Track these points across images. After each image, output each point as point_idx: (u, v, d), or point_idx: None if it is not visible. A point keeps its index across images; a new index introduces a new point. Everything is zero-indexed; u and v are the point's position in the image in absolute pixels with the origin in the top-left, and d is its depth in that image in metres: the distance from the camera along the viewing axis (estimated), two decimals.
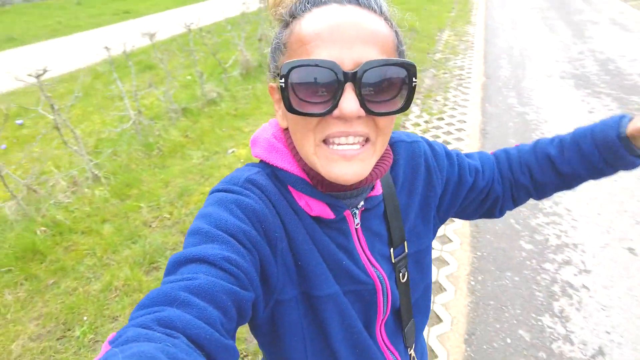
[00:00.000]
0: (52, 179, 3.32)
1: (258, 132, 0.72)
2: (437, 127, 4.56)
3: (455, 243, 2.88)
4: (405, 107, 0.57)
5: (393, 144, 0.77)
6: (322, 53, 0.54)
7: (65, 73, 6.65)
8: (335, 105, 0.54)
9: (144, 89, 4.90)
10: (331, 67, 0.53)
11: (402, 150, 0.77)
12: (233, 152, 3.98)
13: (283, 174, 0.66)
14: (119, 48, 3.95)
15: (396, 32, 0.61)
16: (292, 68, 0.54)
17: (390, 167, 0.73)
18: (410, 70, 0.56)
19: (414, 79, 0.57)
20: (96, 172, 3.42)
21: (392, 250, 0.74)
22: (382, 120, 0.58)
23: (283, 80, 0.55)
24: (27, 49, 8.29)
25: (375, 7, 0.58)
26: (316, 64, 0.53)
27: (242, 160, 3.83)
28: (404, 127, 4.58)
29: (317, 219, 0.67)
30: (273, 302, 0.64)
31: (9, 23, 10.99)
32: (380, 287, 0.72)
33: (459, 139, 4.27)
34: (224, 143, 4.17)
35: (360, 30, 0.54)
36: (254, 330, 0.70)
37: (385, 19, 0.59)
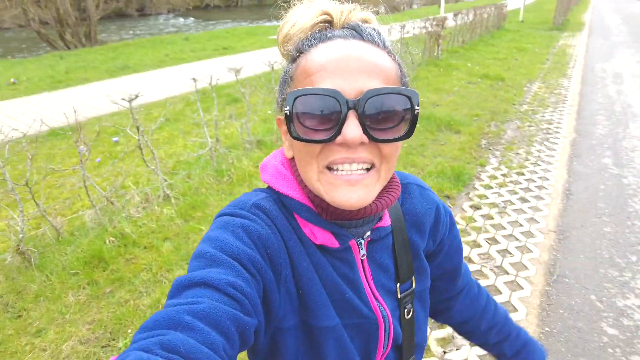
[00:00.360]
0: (129, 194, 3.60)
1: (268, 158, 0.73)
2: (516, 182, 4.23)
3: (520, 313, 2.56)
4: (408, 135, 0.59)
5: (407, 185, 0.79)
6: (325, 83, 0.56)
7: (161, 99, 7.35)
8: (339, 132, 0.55)
9: (225, 119, 5.23)
10: (334, 95, 0.55)
11: (416, 192, 0.79)
12: None
13: (289, 201, 0.66)
14: (209, 80, 4.28)
15: (399, 65, 0.63)
16: (297, 97, 0.56)
17: (401, 203, 0.76)
18: (412, 98, 0.58)
19: (416, 107, 0.58)
20: (168, 192, 3.64)
21: (398, 285, 0.74)
22: (386, 148, 0.59)
23: (288, 108, 0.57)
24: (137, 77, 9.39)
25: (379, 41, 0.61)
26: (319, 93, 0.55)
27: None
28: (478, 177, 4.32)
29: (322, 248, 0.67)
30: (273, 329, 0.64)
31: (128, 54, 12.61)
32: (383, 323, 0.71)
33: (538, 197, 3.90)
34: None
35: (363, 62, 0.57)
36: (253, 355, 0.71)
37: (389, 52, 0.62)
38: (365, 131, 0.56)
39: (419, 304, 0.79)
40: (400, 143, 0.62)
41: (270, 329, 0.63)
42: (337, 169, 0.58)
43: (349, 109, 0.55)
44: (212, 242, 0.58)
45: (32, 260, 2.86)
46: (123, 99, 3.03)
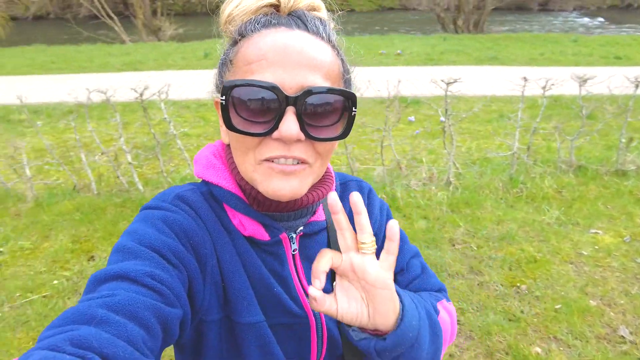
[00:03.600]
0: (419, 167, 3.90)
1: (200, 151, 0.71)
2: None
3: None
4: (344, 135, 0.58)
5: (346, 183, 0.78)
6: (265, 74, 0.54)
7: (479, 95, 7.09)
8: (276, 127, 0.55)
9: (547, 130, 4.62)
10: (273, 89, 0.53)
11: (354, 187, 0.78)
12: None
13: (218, 191, 0.65)
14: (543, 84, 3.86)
15: (342, 60, 0.61)
16: (234, 87, 0.55)
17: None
18: (351, 99, 0.57)
19: (354, 108, 0.57)
20: (452, 179, 3.72)
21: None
22: (321, 146, 0.58)
23: (224, 98, 0.55)
24: (501, 69, 9.38)
25: (324, 34, 0.59)
26: (259, 85, 0.53)
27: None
28: None
29: (251, 241, 0.65)
30: (197, 321, 0.61)
31: (504, 46, 12.61)
32: (315, 323, 0.66)
33: None
34: (589, 225, 3.43)
35: (305, 55, 0.55)
36: (179, 351, 0.68)
37: (333, 46, 0.60)
38: (302, 128, 0.55)
39: None
40: (335, 142, 0.61)
41: (195, 321, 0.60)
42: (272, 161, 0.57)
43: (287, 104, 0.54)
44: (130, 236, 0.56)
45: None
46: (442, 81, 3.23)
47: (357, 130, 5.13)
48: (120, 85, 4.43)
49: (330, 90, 0.55)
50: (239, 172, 0.64)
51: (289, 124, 0.54)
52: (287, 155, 0.56)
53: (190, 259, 0.57)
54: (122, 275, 0.49)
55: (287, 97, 0.54)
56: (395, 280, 0.74)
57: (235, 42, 0.61)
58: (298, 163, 0.58)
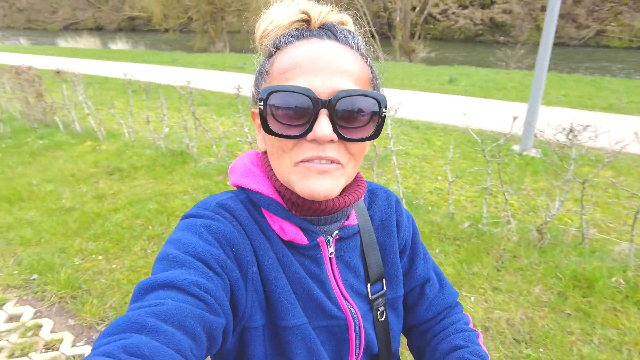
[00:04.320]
0: None
1: (236, 160, 0.73)
2: None
3: None
4: (375, 135, 0.61)
5: (374, 190, 0.80)
6: (299, 80, 0.58)
7: None
8: (310, 129, 0.57)
9: None
10: (307, 93, 0.56)
11: (382, 196, 0.80)
12: None
13: (258, 197, 0.67)
14: None
15: (371, 67, 0.66)
16: (271, 93, 0.58)
17: (368, 207, 0.77)
18: (381, 101, 0.60)
19: (384, 110, 0.60)
20: None
21: (369, 286, 0.73)
22: (353, 147, 0.61)
23: (262, 103, 0.58)
24: None
25: (353, 43, 0.63)
26: (293, 90, 0.57)
27: None
28: None
29: (290, 245, 0.67)
30: (240, 328, 0.62)
31: None
32: (353, 324, 0.69)
33: None
34: None
35: (336, 62, 0.58)
36: (221, 358, 0.67)
37: (362, 55, 0.64)
38: (335, 130, 0.58)
39: (392, 312, 0.77)
40: (367, 143, 0.63)
41: (238, 328, 0.61)
42: (308, 161, 0.59)
43: (321, 107, 0.57)
44: (174, 244, 0.57)
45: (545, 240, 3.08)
46: None
47: (607, 190, 4.15)
48: None
49: (359, 93, 0.58)
50: (277, 178, 0.66)
51: (323, 125, 0.57)
52: (322, 155, 0.59)
53: (233, 266, 0.59)
54: (169, 284, 0.50)
55: (320, 100, 0.57)
56: (423, 293, 0.82)
57: (270, 55, 0.64)
58: (332, 163, 0.60)
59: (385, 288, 0.75)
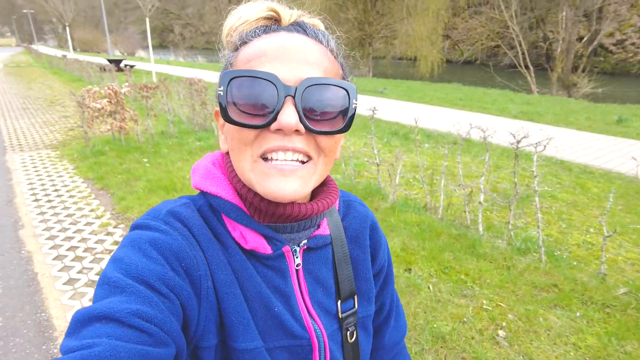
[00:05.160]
0: None
1: (198, 161, 0.68)
2: None
3: None
4: (345, 129, 0.57)
5: (350, 201, 0.76)
6: (264, 68, 0.54)
7: None
8: (274, 118, 0.53)
9: None
10: (272, 79, 0.52)
11: (359, 209, 0.76)
12: None
13: (217, 202, 0.61)
14: None
15: (342, 65, 0.62)
16: (233, 78, 0.53)
17: (342, 217, 0.73)
18: (350, 92, 0.56)
19: (354, 101, 0.57)
20: None
21: (339, 303, 0.68)
22: (323, 140, 0.57)
23: (222, 89, 0.54)
24: None
25: (323, 39, 0.60)
26: (257, 76, 0.52)
27: None
28: None
29: (252, 255, 0.61)
30: (192, 347, 0.57)
31: None
32: (317, 346, 0.63)
33: None
34: None
35: (305, 53, 0.55)
36: None
37: (331, 51, 0.60)
38: (301, 120, 0.53)
39: (362, 331, 0.72)
40: (339, 138, 0.61)
41: (191, 346, 0.56)
42: (271, 159, 0.55)
43: (286, 95, 0.53)
44: (115, 265, 0.51)
45: None
46: None
47: None
48: (506, 130, 4.41)
49: (328, 82, 0.54)
50: (239, 179, 0.60)
51: (288, 113, 0.52)
52: (287, 146, 0.54)
53: (183, 284, 0.53)
54: (107, 316, 0.45)
55: (285, 87, 0.52)
56: (385, 322, 0.80)
57: (236, 48, 0.60)
58: (298, 161, 0.56)
59: (357, 306, 0.70)
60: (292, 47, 0.55)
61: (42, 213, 4.30)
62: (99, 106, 6.25)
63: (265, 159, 0.55)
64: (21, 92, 14.06)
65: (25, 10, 57.78)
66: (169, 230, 0.56)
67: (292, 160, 0.55)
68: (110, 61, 19.82)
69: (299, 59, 0.55)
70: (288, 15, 0.61)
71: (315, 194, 0.67)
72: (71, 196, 4.77)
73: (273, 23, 0.60)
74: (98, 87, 6.53)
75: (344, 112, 0.56)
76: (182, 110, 8.61)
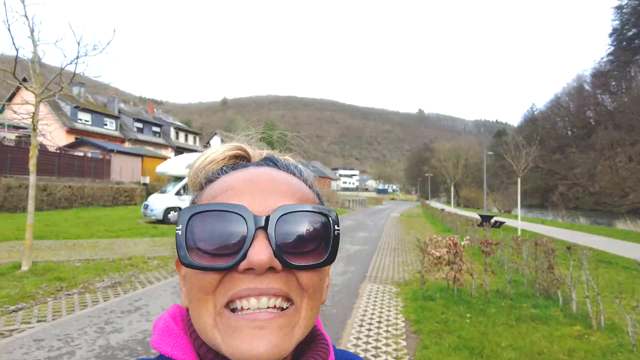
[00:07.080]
0: None
1: (162, 314, 0.56)
2: None
3: None
4: (329, 260, 0.49)
5: None
6: (232, 201, 0.47)
7: None
8: (244, 257, 0.44)
9: None
10: (239, 211, 0.45)
11: None
12: None
13: None
14: None
15: (318, 195, 0.58)
16: (193, 214, 0.46)
17: None
18: (331, 217, 0.50)
19: (336, 227, 0.50)
20: None
21: None
22: (305, 277, 0.47)
23: (180, 227, 0.46)
24: None
25: (295, 171, 0.57)
26: (221, 209, 0.46)
27: None
28: None
29: None
30: None
31: None
32: None
33: None
34: None
35: (276, 185, 0.50)
36: None
37: (305, 181, 0.57)
38: (276, 255, 0.44)
39: None
40: (324, 274, 0.53)
41: None
42: (240, 308, 0.45)
43: (257, 228, 0.45)
44: None
45: None
46: None
47: None
48: None
49: (304, 208, 0.48)
50: (198, 337, 0.49)
51: (259, 248, 0.44)
52: (260, 288, 0.44)
53: None
54: None
55: (255, 218, 0.45)
56: None
57: (201, 187, 0.55)
58: (276, 308, 0.45)
59: None
60: (262, 178, 0.51)
61: (358, 338, 4.82)
62: (438, 254, 6.73)
63: (232, 310, 0.45)
64: (400, 236, 17.15)
65: (426, 175, 74.23)
66: None
67: (268, 307, 0.45)
68: (482, 217, 21.26)
69: (270, 190, 0.49)
70: (258, 153, 0.59)
71: (299, 353, 0.53)
72: (387, 331, 5.13)
73: (242, 161, 0.58)
74: (459, 238, 7.07)
75: (326, 241, 0.49)
76: (524, 270, 7.84)
